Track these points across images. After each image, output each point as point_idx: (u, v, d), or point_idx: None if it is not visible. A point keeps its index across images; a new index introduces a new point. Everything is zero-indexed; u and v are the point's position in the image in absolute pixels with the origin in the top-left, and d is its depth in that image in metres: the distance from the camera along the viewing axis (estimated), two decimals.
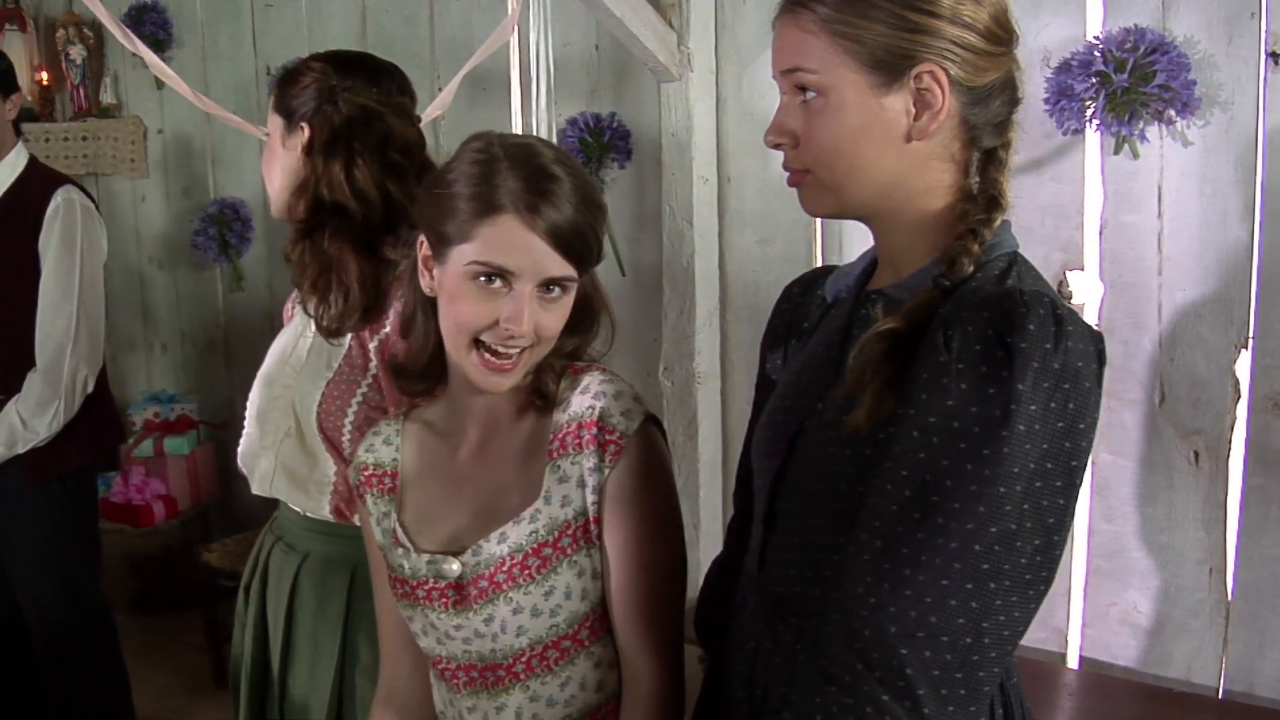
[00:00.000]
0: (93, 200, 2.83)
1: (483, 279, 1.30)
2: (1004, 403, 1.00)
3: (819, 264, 2.94)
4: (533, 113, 2.78)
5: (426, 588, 1.41)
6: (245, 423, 1.94)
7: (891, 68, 1.12)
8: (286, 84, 1.86)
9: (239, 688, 1.99)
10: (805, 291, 1.40)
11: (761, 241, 3.02)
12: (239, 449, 1.95)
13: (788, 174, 1.22)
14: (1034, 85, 2.42)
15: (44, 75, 4.41)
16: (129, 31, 2.45)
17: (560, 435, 1.37)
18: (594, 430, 1.35)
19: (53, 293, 2.69)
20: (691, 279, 3.05)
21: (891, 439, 1.07)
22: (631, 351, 3.26)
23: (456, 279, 1.32)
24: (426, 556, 1.41)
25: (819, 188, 1.19)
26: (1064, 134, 2.43)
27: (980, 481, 1.01)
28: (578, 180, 1.33)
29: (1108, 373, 2.40)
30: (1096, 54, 2.35)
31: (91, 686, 2.89)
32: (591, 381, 1.39)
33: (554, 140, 3.21)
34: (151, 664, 3.78)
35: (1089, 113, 2.38)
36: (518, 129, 3.20)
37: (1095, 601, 2.58)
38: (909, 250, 1.19)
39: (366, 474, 1.52)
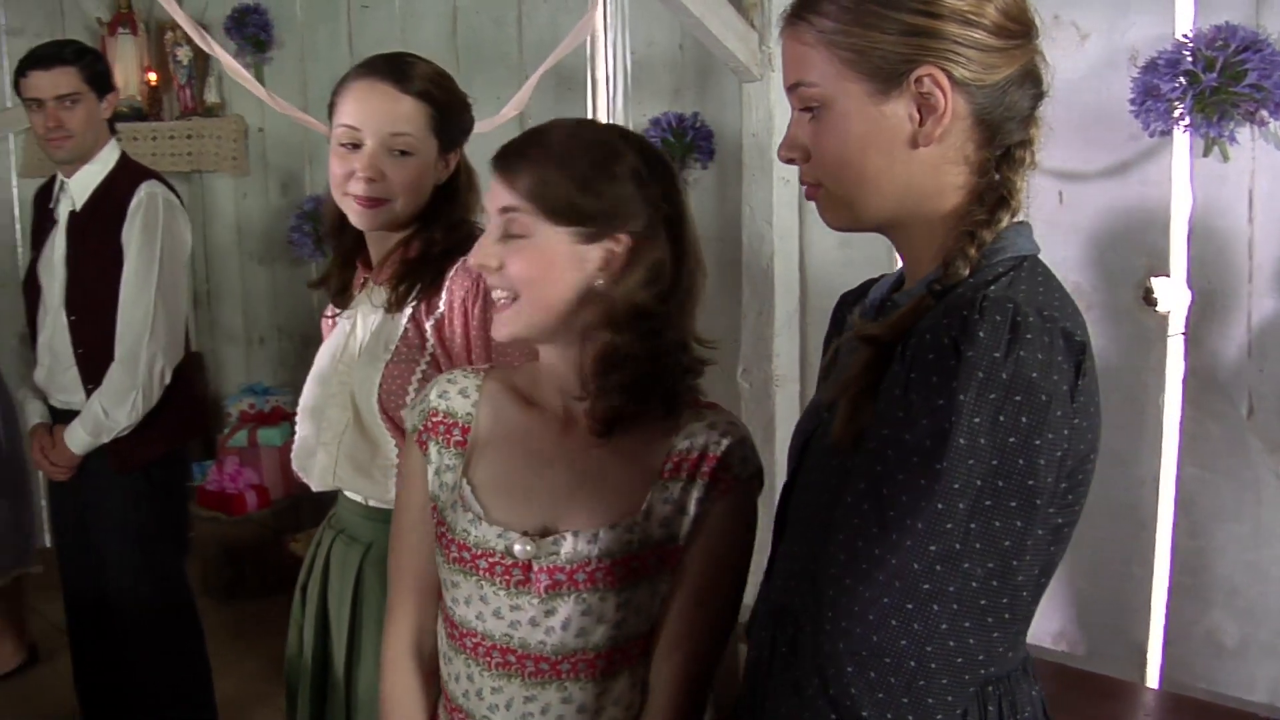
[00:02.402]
0: (177, 195, 2.89)
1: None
2: (949, 414, 0.96)
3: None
4: (610, 112, 2.79)
5: (490, 560, 1.37)
6: (297, 425, 1.98)
7: (889, 74, 1.09)
8: (447, 108, 1.88)
9: (295, 690, 2.00)
10: (857, 299, 1.37)
11: (842, 244, 2.98)
12: (293, 452, 1.98)
13: (804, 188, 1.19)
14: (1120, 86, 2.36)
15: (152, 76, 4.55)
16: (204, 33, 2.53)
17: (677, 459, 1.38)
18: (714, 465, 1.37)
19: (133, 284, 2.75)
20: (771, 280, 3.03)
21: (858, 451, 1.04)
22: (715, 352, 3.24)
23: None
24: (498, 529, 1.38)
25: (832, 200, 1.16)
26: (1151, 136, 2.35)
27: (926, 497, 0.97)
28: (561, 133, 1.37)
29: (1193, 383, 2.36)
30: (1185, 53, 2.26)
31: (172, 673, 2.95)
32: (720, 420, 1.41)
33: None
34: (241, 649, 3.88)
35: (1176, 113, 2.29)
36: None
37: (1177, 620, 2.50)
38: (923, 256, 1.16)
39: (435, 419, 1.47)
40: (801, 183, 1.19)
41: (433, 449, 1.47)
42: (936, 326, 1.00)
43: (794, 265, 3.05)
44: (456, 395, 1.48)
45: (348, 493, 1.94)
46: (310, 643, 1.97)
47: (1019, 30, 1.11)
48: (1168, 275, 2.41)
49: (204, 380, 4.59)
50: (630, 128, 2.99)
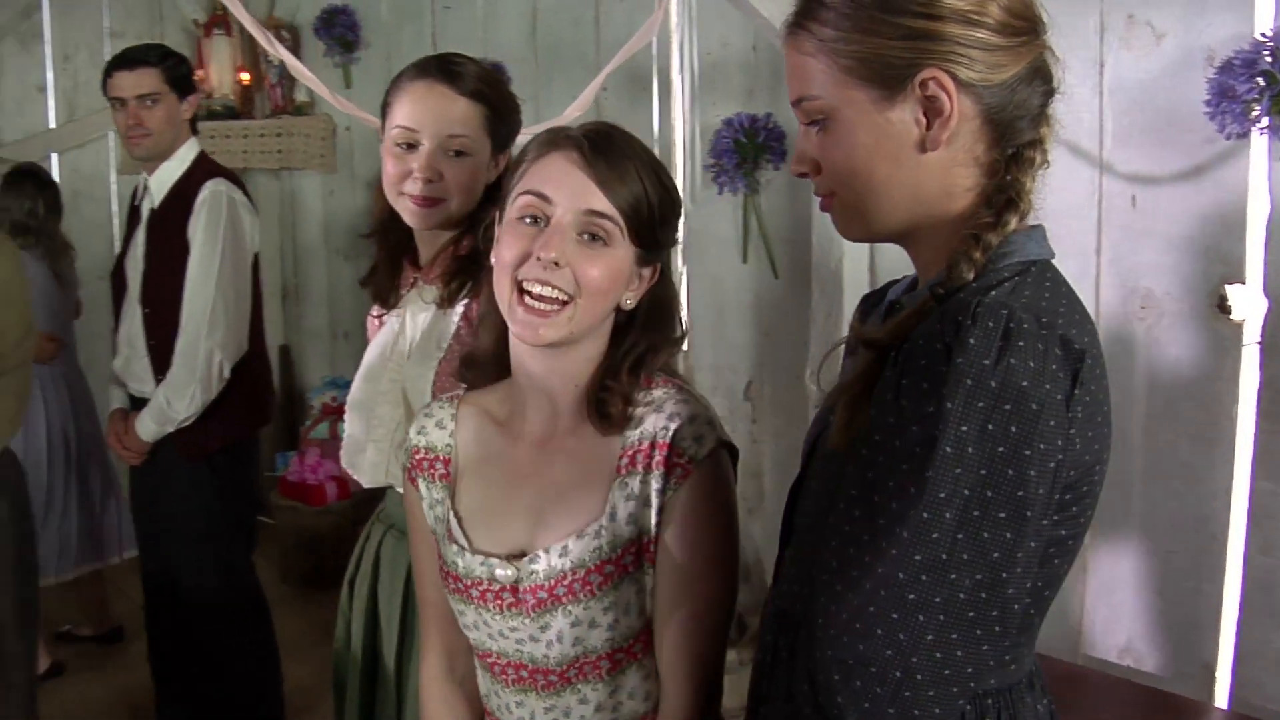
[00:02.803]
0: (246, 194, 2.96)
1: (528, 220, 1.32)
2: (937, 422, 0.94)
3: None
4: (675, 112, 2.79)
5: (481, 588, 1.39)
6: (345, 422, 2.00)
7: (892, 79, 1.06)
8: (500, 109, 1.89)
9: (343, 684, 2.03)
10: (879, 301, 1.36)
11: None
12: (342, 450, 2.00)
13: (818, 200, 1.18)
14: (1196, 87, 2.29)
15: (245, 75, 4.68)
16: (270, 35, 2.59)
17: (630, 452, 1.36)
18: (665, 451, 1.34)
19: (194, 279, 2.82)
20: (840, 282, 3.00)
21: (853, 456, 1.02)
22: (784, 354, 3.23)
23: (506, 225, 1.36)
24: (480, 558, 1.39)
25: (844, 210, 1.14)
26: (1226, 138, 2.28)
27: (913, 505, 0.95)
28: (646, 153, 1.37)
29: (1268, 394, 2.29)
30: (1263, 53, 2.19)
31: (238, 658, 3.01)
32: (667, 400, 1.38)
33: (707, 141, 3.22)
34: (316, 637, 3.94)
35: (1254, 115, 2.22)
36: (657, 128, 3.22)
37: (1249, 639, 2.42)
38: (935, 259, 1.13)
39: (418, 456, 1.49)
40: (816, 194, 1.17)
41: (422, 485, 1.50)
42: (930, 332, 0.98)
43: (864, 267, 3.02)
44: (434, 428, 1.49)
45: (399, 488, 1.96)
46: (359, 637, 2.00)
47: (1025, 26, 1.08)
48: (1243, 282, 2.33)
49: (275, 373, 4.69)
50: (700, 128, 3.00)
